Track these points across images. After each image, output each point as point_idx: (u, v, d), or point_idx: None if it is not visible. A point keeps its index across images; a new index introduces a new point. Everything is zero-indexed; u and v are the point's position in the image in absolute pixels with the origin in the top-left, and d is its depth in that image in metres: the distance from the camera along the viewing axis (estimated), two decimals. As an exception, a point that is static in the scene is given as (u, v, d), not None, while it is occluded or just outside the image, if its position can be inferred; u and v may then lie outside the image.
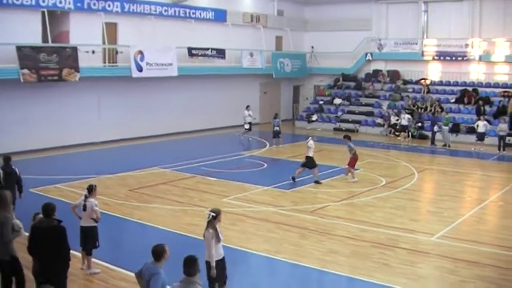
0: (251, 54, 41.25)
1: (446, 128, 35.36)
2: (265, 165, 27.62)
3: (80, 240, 13.19)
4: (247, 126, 35.58)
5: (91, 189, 13.34)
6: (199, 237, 15.58)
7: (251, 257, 14.44)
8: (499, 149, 33.34)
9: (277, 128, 33.39)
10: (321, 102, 45.31)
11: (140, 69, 33.06)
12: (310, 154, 23.75)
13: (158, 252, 9.01)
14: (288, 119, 46.38)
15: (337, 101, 44.47)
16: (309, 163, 23.65)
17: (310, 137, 24.54)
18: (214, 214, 10.90)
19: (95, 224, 13.25)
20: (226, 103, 40.94)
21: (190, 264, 8.38)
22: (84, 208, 13.18)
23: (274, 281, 13.21)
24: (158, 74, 34.25)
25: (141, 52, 33.05)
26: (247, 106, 36.42)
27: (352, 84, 46.27)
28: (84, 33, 30.78)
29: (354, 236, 16.39)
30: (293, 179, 23.63)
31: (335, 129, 41.83)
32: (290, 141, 35.59)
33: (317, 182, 23.47)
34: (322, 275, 13.45)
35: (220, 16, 40.06)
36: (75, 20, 30.95)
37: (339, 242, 15.91)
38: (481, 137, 33.85)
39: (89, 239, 13.18)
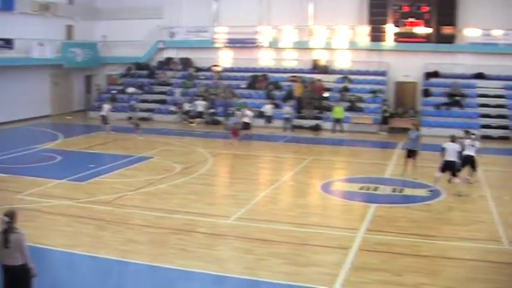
0: (41, 44, 39.77)
1: (240, 112, 36.38)
2: (59, 157, 26.81)
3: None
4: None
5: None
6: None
7: (47, 253, 14.00)
8: (284, 130, 35.18)
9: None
10: (114, 91, 44.69)
11: None
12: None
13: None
14: (81, 110, 45.37)
15: (130, 89, 44.06)
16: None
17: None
18: (8, 219, 10.06)
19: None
20: (17, 96, 39.08)
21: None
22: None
23: (73, 276, 12.89)
24: None
25: None
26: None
27: (145, 72, 46.12)
28: None
29: (152, 224, 16.44)
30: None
31: (129, 118, 41.54)
32: (83, 133, 34.92)
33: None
34: (123, 265, 13.35)
35: (7, 4, 37.99)
36: None
37: (137, 231, 15.89)
38: (268, 119, 35.28)
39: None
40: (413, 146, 23.34)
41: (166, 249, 14.30)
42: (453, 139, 21.07)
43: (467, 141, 22.13)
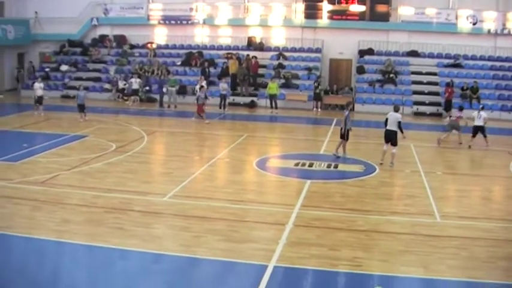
0: (-31, 21, 38.65)
1: (174, 89, 36.19)
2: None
3: None
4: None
5: None
6: None
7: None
8: (220, 107, 35.32)
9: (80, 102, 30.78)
10: (47, 69, 43.77)
11: None
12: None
13: None
14: (13, 89, 44.26)
15: (64, 67, 43.31)
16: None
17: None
18: None
19: None
20: None
21: None
22: None
23: (9, 257, 12.55)
24: None
25: None
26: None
27: (79, 50, 45.29)
28: None
29: (87, 203, 16.25)
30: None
31: (63, 96, 40.87)
32: (16, 112, 34.14)
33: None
34: (59, 246, 13.16)
35: None
36: None
37: (72, 210, 15.67)
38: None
39: None
40: (351, 125, 23.24)
41: (103, 229, 14.18)
42: (396, 108, 21.74)
43: (476, 113, 25.84)
